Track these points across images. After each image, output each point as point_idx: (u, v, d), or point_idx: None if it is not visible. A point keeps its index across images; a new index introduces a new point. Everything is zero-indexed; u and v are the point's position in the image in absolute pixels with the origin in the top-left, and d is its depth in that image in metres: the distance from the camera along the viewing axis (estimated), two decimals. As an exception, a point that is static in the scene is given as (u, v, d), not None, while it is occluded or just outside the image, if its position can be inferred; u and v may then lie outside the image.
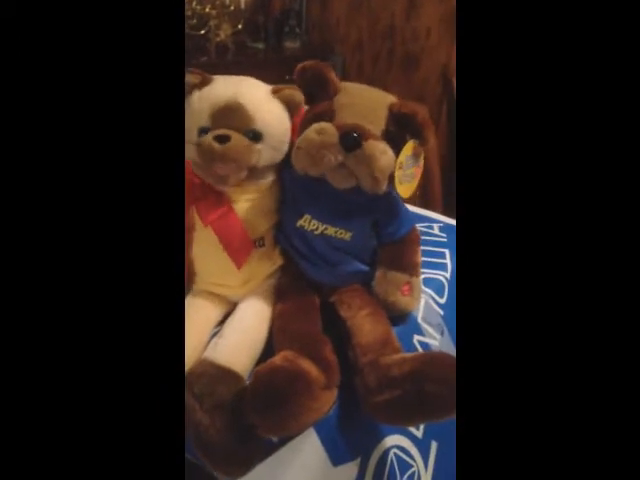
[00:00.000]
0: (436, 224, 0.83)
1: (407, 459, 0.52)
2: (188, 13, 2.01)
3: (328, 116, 0.51)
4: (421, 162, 0.54)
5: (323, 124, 0.49)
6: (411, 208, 0.86)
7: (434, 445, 0.56)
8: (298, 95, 0.54)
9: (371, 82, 0.56)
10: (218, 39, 2.14)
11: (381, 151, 0.48)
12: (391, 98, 0.54)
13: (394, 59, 2.10)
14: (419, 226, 0.80)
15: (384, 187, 0.49)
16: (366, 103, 0.52)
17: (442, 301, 0.66)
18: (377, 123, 0.51)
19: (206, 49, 2.13)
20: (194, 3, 2.01)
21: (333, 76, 0.54)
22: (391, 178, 0.50)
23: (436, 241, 0.76)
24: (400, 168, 0.50)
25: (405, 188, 0.52)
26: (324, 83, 0.54)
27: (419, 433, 0.55)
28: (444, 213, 0.90)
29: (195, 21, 2.06)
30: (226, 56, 2.16)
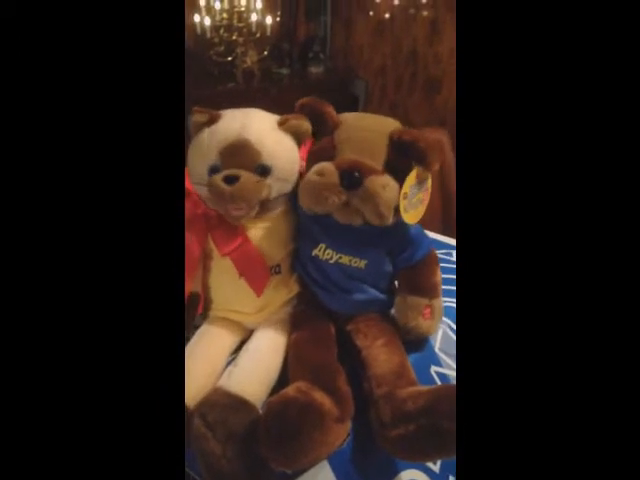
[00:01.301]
0: (455, 250, 0.82)
1: (423, 495, 0.51)
2: (215, 40, 2.08)
3: (329, 153, 0.51)
4: (428, 186, 0.53)
5: (323, 164, 0.49)
6: (430, 234, 0.85)
7: (451, 480, 0.54)
8: (305, 124, 0.53)
9: (394, 105, 0.56)
10: (245, 65, 2.20)
11: (383, 186, 0.47)
12: (392, 124, 0.53)
13: (416, 83, 2.11)
14: (437, 252, 0.79)
15: (391, 219, 0.49)
16: (366, 135, 0.52)
17: (460, 330, 0.64)
18: (378, 155, 0.50)
19: (233, 75, 2.20)
20: (222, 30, 2.08)
21: (330, 111, 0.54)
22: (397, 208, 0.49)
23: (454, 268, 0.75)
24: (405, 198, 0.50)
25: (411, 215, 0.51)
26: (322, 119, 0.54)
27: (436, 468, 0.53)
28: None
29: (223, 48, 2.13)
30: (252, 82, 2.22)
